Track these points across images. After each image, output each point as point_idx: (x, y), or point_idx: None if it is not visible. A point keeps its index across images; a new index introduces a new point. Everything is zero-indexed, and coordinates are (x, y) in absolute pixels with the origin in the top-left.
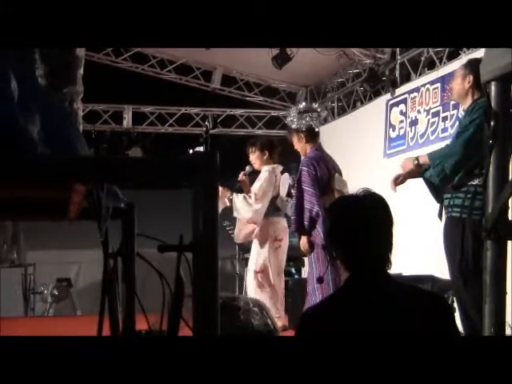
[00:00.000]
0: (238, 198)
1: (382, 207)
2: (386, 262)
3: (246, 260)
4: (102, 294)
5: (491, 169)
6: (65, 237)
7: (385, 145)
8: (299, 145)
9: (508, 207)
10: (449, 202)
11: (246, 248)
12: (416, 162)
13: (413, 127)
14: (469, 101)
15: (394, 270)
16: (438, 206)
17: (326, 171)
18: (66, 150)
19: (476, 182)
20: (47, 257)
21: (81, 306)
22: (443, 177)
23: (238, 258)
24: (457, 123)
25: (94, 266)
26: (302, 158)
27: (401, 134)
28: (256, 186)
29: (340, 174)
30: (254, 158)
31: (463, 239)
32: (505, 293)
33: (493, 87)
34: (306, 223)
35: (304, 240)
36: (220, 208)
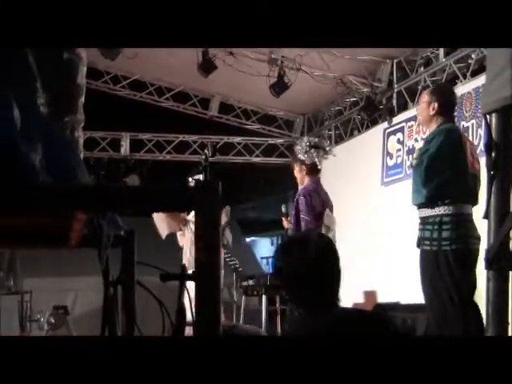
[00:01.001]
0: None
1: (327, 247)
2: (335, 297)
3: (244, 287)
4: (102, 322)
5: (492, 200)
6: (61, 264)
7: (382, 173)
8: (299, 175)
9: (510, 238)
10: (420, 235)
11: (243, 276)
12: None
13: (410, 155)
14: (433, 126)
15: (392, 298)
16: None
17: (319, 205)
18: (68, 178)
19: (441, 211)
20: (44, 284)
21: (77, 333)
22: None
23: (235, 285)
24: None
25: (91, 293)
26: (300, 187)
27: (398, 162)
28: None
29: (331, 211)
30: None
31: (437, 272)
32: (507, 323)
33: (494, 118)
34: None
35: None
36: (166, 232)
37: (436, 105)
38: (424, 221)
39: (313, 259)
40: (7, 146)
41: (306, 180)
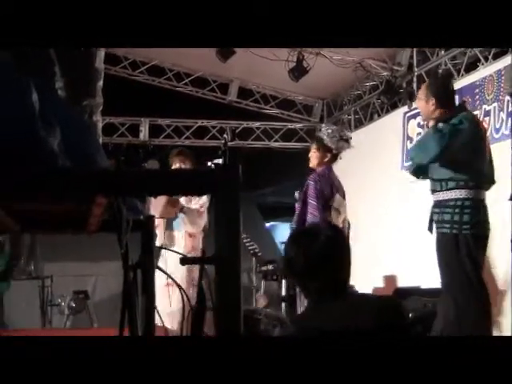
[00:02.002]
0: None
1: (340, 237)
2: (346, 285)
3: (263, 272)
4: (122, 306)
5: None
6: (82, 249)
7: (402, 157)
8: (318, 159)
9: None
10: (438, 218)
11: (262, 260)
12: None
13: None
14: (431, 121)
15: (412, 282)
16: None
17: (329, 190)
18: (86, 162)
19: (463, 195)
20: (64, 269)
21: (97, 318)
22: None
23: (254, 270)
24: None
25: (111, 278)
26: (313, 173)
27: None
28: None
29: (343, 197)
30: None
31: (457, 256)
32: None
33: None
34: None
35: None
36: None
37: (434, 100)
38: (442, 204)
39: (321, 248)
40: (26, 130)
41: (323, 165)
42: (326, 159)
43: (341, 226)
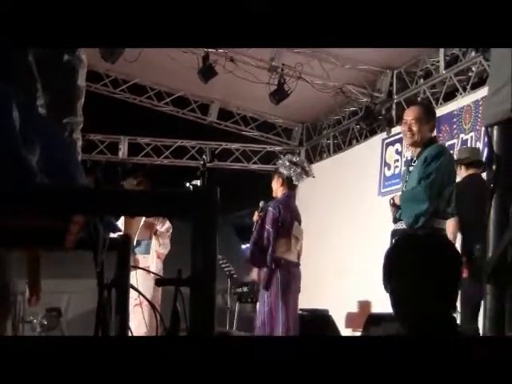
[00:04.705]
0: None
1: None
2: None
3: (238, 294)
4: (95, 324)
5: (492, 213)
6: (56, 266)
7: (380, 183)
8: (275, 185)
9: (508, 251)
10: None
11: (238, 282)
12: (392, 201)
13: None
14: (421, 145)
15: (386, 308)
16: None
17: (289, 218)
18: (65, 179)
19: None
20: None
21: (70, 335)
22: (412, 222)
23: (229, 291)
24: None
25: (85, 296)
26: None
27: (396, 172)
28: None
29: (299, 223)
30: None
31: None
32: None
33: (495, 131)
34: (251, 255)
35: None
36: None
37: (431, 123)
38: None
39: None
40: (5, 146)
41: (280, 192)
42: (280, 184)
43: (297, 251)
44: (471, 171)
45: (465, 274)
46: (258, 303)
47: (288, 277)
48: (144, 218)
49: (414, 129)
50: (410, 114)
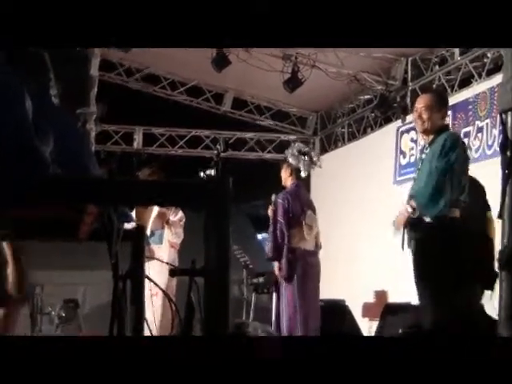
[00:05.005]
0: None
1: None
2: None
3: (254, 285)
4: (111, 316)
5: (507, 199)
6: (72, 257)
7: (395, 171)
8: (284, 175)
9: None
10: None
11: (254, 273)
12: (411, 209)
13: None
14: (434, 132)
15: (403, 298)
16: None
17: (299, 207)
18: (78, 170)
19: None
20: (54, 277)
21: (86, 327)
22: (437, 212)
23: (245, 282)
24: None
25: (101, 287)
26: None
27: (411, 161)
28: None
29: (313, 212)
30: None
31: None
32: None
33: (510, 117)
34: (271, 250)
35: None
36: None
37: (443, 110)
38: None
39: None
40: (18, 137)
41: (289, 182)
42: (288, 173)
43: (314, 240)
44: None
45: None
46: (274, 294)
47: (306, 267)
48: (157, 208)
49: (424, 116)
50: (420, 102)
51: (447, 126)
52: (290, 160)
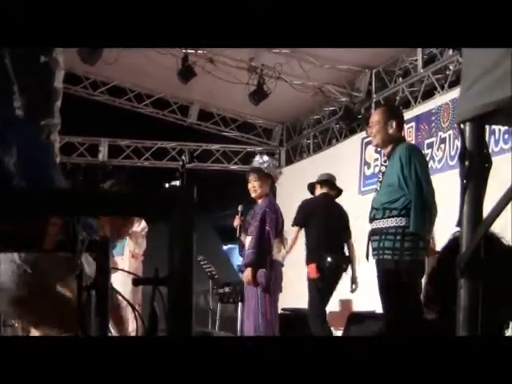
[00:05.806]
0: None
1: None
2: None
3: (220, 295)
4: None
5: (465, 208)
6: None
7: (360, 182)
8: (262, 187)
9: (481, 246)
10: (378, 245)
11: (219, 283)
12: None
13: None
14: (391, 145)
15: (367, 307)
16: None
17: (281, 219)
18: (42, 180)
19: (404, 223)
20: None
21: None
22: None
23: (211, 292)
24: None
25: None
26: (260, 201)
27: (376, 171)
28: None
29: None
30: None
31: (398, 278)
32: (477, 330)
33: (468, 127)
34: (256, 258)
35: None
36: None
37: (394, 123)
38: (382, 231)
39: None
40: None
41: (266, 194)
42: (269, 186)
43: (285, 252)
44: (325, 190)
45: (315, 275)
46: (240, 304)
47: (279, 278)
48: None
49: (374, 130)
50: (372, 117)
51: (402, 137)
52: (269, 170)
